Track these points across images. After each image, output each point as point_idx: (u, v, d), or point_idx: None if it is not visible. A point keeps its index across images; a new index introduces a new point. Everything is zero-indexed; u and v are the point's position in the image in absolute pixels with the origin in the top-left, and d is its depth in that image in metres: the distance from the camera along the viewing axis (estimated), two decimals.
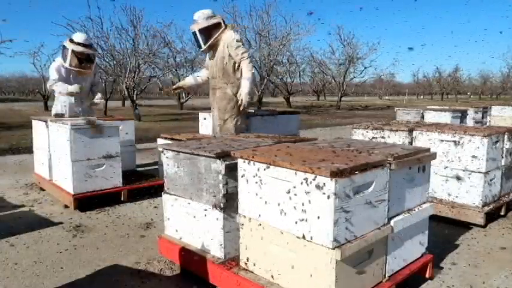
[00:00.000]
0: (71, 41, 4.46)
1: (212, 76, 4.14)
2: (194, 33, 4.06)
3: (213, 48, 4.05)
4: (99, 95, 4.78)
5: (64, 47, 4.49)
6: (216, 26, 4.00)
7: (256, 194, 2.01)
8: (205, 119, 4.94)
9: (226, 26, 4.06)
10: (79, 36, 4.54)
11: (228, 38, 3.97)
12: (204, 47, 4.05)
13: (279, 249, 1.93)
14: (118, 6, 23.50)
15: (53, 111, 4.71)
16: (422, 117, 6.42)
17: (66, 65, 4.42)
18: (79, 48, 4.41)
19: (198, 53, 20.64)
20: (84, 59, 4.50)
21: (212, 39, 3.99)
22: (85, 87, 4.63)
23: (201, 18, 4.02)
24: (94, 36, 14.42)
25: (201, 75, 4.47)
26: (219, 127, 4.12)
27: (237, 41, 3.96)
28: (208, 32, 3.99)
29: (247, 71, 3.96)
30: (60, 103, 4.61)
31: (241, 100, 3.97)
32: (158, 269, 2.56)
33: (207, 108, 4.78)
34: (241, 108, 4.05)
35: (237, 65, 4.00)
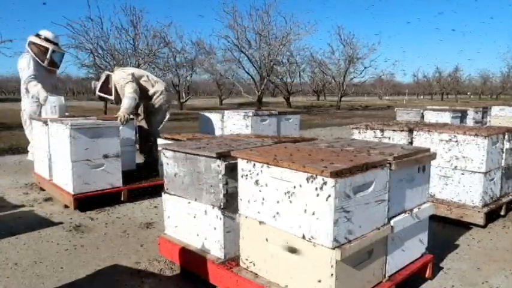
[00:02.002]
0: (41, 37, 4.56)
1: None
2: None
3: None
4: (61, 98, 4.80)
5: (33, 43, 4.54)
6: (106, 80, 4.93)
7: (256, 194, 2.01)
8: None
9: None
10: (49, 34, 4.64)
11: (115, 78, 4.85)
12: (112, 98, 5.07)
13: (279, 249, 1.93)
14: (118, 6, 23.48)
15: (45, 113, 4.73)
16: (422, 117, 6.42)
17: (45, 64, 4.56)
18: (52, 46, 4.55)
19: (198, 52, 20.71)
20: (54, 57, 4.67)
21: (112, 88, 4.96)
22: (51, 88, 4.83)
23: (95, 84, 5.10)
24: (94, 36, 14.45)
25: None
26: None
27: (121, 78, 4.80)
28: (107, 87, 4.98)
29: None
30: (50, 103, 4.57)
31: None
32: (158, 269, 2.56)
33: (208, 108, 4.78)
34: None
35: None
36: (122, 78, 4.80)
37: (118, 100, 4.99)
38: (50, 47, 4.49)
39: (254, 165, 2.00)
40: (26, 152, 6.91)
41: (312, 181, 1.74)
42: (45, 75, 4.73)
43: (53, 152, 4.19)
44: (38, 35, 4.61)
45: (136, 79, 4.86)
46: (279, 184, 1.89)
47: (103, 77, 4.89)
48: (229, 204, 2.21)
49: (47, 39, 4.53)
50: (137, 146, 5.36)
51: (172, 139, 3.67)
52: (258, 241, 2.04)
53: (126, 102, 4.68)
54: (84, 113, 5.67)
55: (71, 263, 2.66)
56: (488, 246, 2.93)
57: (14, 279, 2.45)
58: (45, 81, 4.71)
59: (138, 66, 15.10)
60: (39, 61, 4.55)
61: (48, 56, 4.53)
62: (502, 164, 3.54)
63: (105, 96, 4.90)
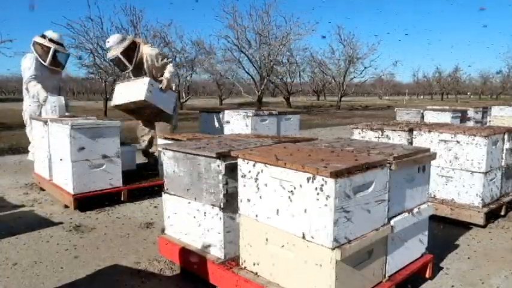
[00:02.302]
0: (46, 38, 4.54)
1: None
2: (115, 59, 4.65)
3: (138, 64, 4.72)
4: (62, 98, 4.73)
5: (37, 43, 4.54)
6: (132, 46, 4.66)
7: (256, 194, 2.01)
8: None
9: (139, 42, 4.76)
10: (54, 35, 4.62)
11: (148, 52, 4.72)
12: (131, 67, 4.69)
13: (279, 249, 1.93)
14: (118, 6, 23.48)
15: (33, 110, 4.73)
16: (422, 117, 6.42)
17: (47, 64, 4.53)
18: (55, 46, 4.53)
19: (198, 53, 20.71)
20: (57, 57, 4.65)
21: (135, 58, 4.67)
22: (54, 89, 4.85)
23: (115, 43, 4.63)
24: (94, 36, 14.44)
25: None
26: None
27: (159, 54, 4.78)
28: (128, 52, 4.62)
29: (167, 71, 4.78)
30: (50, 103, 4.54)
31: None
32: (158, 269, 2.56)
33: (208, 108, 4.79)
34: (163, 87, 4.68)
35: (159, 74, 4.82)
36: (158, 54, 4.75)
37: (134, 73, 4.84)
38: (53, 46, 4.49)
39: (254, 165, 2.00)
40: (26, 152, 6.91)
41: (312, 181, 1.74)
42: (49, 76, 4.72)
43: (53, 152, 4.19)
44: (43, 36, 4.62)
45: None
46: (279, 184, 1.89)
47: (127, 42, 4.65)
48: (229, 204, 2.21)
49: (51, 40, 4.54)
50: (138, 146, 5.35)
51: (172, 139, 3.67)
52: (258, 241, 2.04)
53: (169, 77, 4.73)
54: (85, 113, 5.64)
55: (71, 263, 2.66)
56: (488, 246, 2.93)
57: (14, 279, 2.45)
58: (48, 81, 4.70)
59: None
60: (42, 61, 4.54)
61: (50, 56, 4.52)
62: (502, 164, 3.54)
63: (125, 61, 4.66)
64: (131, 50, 4.64)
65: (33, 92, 4.58)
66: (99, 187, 3.90)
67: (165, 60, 4.79)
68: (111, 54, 4.68)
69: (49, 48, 4.50)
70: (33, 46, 4.59)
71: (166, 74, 4.77)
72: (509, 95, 44.92)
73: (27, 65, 4.57)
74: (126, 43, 4.60)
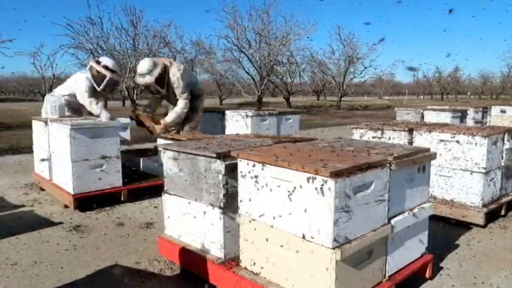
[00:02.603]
0: (100, 64, 4.54)
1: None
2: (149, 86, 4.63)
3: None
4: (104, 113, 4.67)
5: (94, 68, 4.52)
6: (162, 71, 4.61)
7: (256, 194, 2.01)
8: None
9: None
10: (109, 62, 4.63)
11: (172, 72, 4.68)
12: (164, 92, 4.71)
13: (279, 249, 1.93)
14: (118, 6, 23.50)
15: (45, 113, 4.68)
16: (422, 117, 6.42)
17: (99, 90, 4.54)
18: (114, 76, 4.57)
19: (198, 53, 20.71)
20: (110, 84, 4.62)
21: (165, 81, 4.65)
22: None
23: (148, 70, 4.54)
24: (94, 36, 14.45)
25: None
26: None
27: (178, 79, 4.66)
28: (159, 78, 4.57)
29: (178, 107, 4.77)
30: (50, 103, 4.48)
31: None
32: (158, 269, 2.56)
33: (208, 109, 4.79)
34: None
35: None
36: (177, 80, 4.67)
37: (167, 97, 4.89)
38: (109, 75, 4.47)
39: (254, 165, 2.00)
40: (26, 152, 6.92)
41: (312, 181, 1.74)
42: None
43: (53, 152, 4.19)
44: (97, 61, 4.62)
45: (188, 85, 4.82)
46: (279, 184, 1.89)
47: (159, 70, 4.57)
48: (229, 204, 2.21)
49: (105, 67, 4.51)
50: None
51: (173, 139, 3.67)
52: (258, 241, 2.04)
53: (174, 117, 4.75)
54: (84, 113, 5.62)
55: (71, 263, 2.66)
56: (488, 246, 2.93)
57: (14, 279, 2.45)
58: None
59: None
60: (95, 86, 4.51)
61: (104, 83, 4.49)
62: (502, 164, 3.54)
63: (158, 88, 4.65)
64: (162, 75, 4.60)
65: (96, 112, 4.57)
66: (99, 187, 3.90)
67: (179, 90, 4.70)
68: (143, 82, 4.61)
69: (105, 75, 4.46)
70: (90, 69, 4.56)
71: (169, 116, 4.80)
72: (509, 95, 44.90)
73: (87, 87, 4.57)
74: (158, 71, 4.55)
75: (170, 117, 4.76)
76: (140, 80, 4.65)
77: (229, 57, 21.62)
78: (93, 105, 4.54)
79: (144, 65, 4.59)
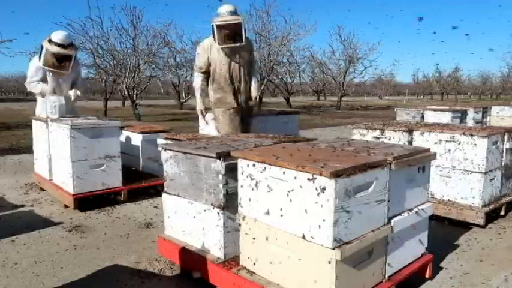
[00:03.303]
0: (49, 40, 4.35)
1: (233, 71, 4.01)
2: (234, 25, 3.81)
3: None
4: (72, 91, 4.60)
5: (42, 46, 4.38)
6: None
7: (256, 194, 2.01)
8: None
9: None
10: (57, 36, 4.38)
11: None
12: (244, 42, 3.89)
13: (279, 249, 1.93)
14: (118, 6, 23.47)
15: (41, 113, 4.59)
16: (422, 117, 6.42)
17: (40, 64, 4.35)
18: (53, 49, 4.30)
19: None
20: (61, 59, 4.39)
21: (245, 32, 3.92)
22: (65, 87, 4.61)
23: (234, 12, 3.90)
24: (94, 36, 14.45)
25: (202, 83, 4.17)
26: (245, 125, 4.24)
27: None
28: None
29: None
30: (50, 103, 4.41)
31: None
32: (158, 269, 2.56)
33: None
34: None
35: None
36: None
37: None
38: (52, 50, 4.37)
39: (254, 165, 2.00)
40: (26, 152, 6.91)
41: (312, 181, 1.74)
42: (54, 78, 4.53)
43: (53, 152, 4.19)
44: (49, 40, 4.39)
45: None
46: (279, 184, 1.89)
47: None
48: (229, 204, 2.21)
49: (50, 40, 4.42)
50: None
51: (173, 139, 3.67)
52: (257, 241, 2.04)
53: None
54: (85, 113, 5.62)
55: (71, 263, 2.66)
56: (488, 246, 2.93)
57: (14, 279, 2.45)
58: (55, 82, 4.55)
59: (138, 66, 15.11)
60: (41, 64, 4.41)
61: (42, 57, 4.32)
62: (502, 164, 3.54)
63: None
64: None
65: (36, 91, 4.56)
66: (99, 187, 3.90)
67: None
68: (230, 20, 3.86)
69: (48, 51, 4.39)
70: (40, 49, 4.48)
71: (255, 89, 4.27)
72: (509, 95, 44.87)
73: (31, 69, 4.51)
74: (241, 17, 3.96)
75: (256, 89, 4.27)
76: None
77: None
78: (31, 85, 4.48)
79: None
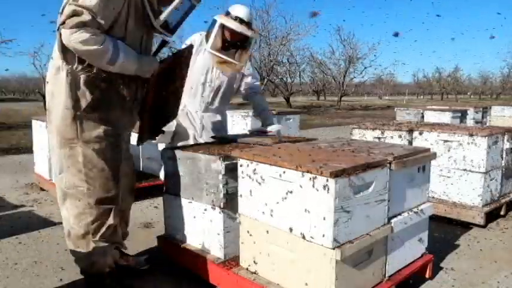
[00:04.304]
0: (227, 14, 2.80)
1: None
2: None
3: None
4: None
5: (213, 21, 2.81)
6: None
7: (256, 194, 2.01)
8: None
9: None
10: (239, 10, 2.78)
11: None
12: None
13: (279, 249, 1.93)
14: None
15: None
16: (422, 117, 6.43)
17: (208, 47, 2.80)
18: (233, 25, 2.72)
19: None
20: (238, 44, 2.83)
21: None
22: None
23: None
24: None
25: None
26: None
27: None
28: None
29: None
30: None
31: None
32: (158, 268, 2.56)
33: None
34: None
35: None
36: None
37: None
38: (230, 24, 2.73)
39: (254, 165, 2.00)
40: (26, 152, 6.91)
41: (312, 181, 1.74)
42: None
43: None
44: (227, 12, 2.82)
45: None
46: (279, 184, 1.89)
47: None
48: (229, 204, 2.21)
49: (227, 14, 2.81)
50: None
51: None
52: (257, 241, 2.04)
53: None
54: None
55: (71, 263, 2.65)
56: (488, 246, 2.93)
57: (14, 279, 2.45)
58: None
59: None
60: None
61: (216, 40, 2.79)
62: (502, 164, 3.54)
63: None
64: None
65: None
66: None
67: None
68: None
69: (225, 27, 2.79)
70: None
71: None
72: (509, 95, 44.91)
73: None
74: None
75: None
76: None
77: None
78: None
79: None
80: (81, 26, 1.86)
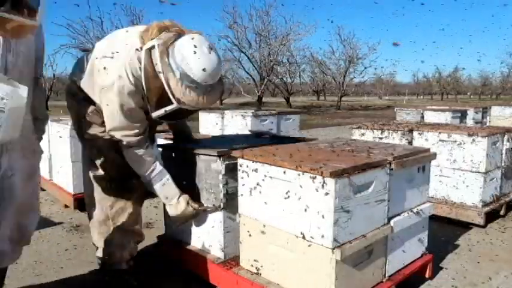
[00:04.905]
0: None
1: None
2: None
3: None
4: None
5: None
6: None
7: (256, 194, 2.01)
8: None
9: None
10: None
11: None
12: None
13: (279, 249, 1.93)
14: (118, 6, 23.47)
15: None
16: (422, 117, 6.43)
17: None
18: None
19: None
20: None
21: None
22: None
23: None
24: (94, 36, 14.45)
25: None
26: None
27: None
28: None
29: None
30: None
31: None
32: (158, 268, 2.56)
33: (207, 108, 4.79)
34: None
35: None
36: None
37: None
38: None
39: (254, 165, 2.00)
40: None
41: (312, 181, 1.74)
42: None
43: (53, 152, 4.19)
44: None
45: None
46: (279, 184, 1.89)
47: None
48: (229, 204, 2.21)
49: None
50: None
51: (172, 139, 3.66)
52: (258, 241, 2.04)
53: None
54: None
55: (71, 263, 2.66)
56: (488, 246, 2.94)
57: (14, 279, 2.45)
58: None
59: None
60: None
61: None
62: (502, 164, 3.54)
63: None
64: None
65: None
66: None
67: None
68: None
69: None
70: None
71: None
72: (509, 95, 44.90)
73: None
74: None
75: None
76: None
77: (229, 57, 21.66)
78: None
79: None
80: (133, 145, 2.07)
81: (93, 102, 2.14)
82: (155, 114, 2.02)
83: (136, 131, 2.05)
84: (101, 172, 2.22)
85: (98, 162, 2.20)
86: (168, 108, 1.95)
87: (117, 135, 2.04)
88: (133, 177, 2.23)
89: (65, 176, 3.90)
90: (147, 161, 2.11)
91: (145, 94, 1.99)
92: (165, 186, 2.17)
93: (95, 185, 2.25)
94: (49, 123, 4.17)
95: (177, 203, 2.19)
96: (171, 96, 1.88)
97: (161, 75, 1.87)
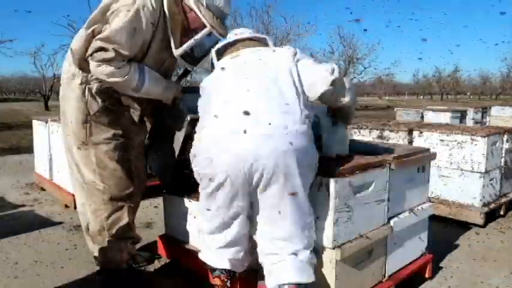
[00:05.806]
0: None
1: None
2: None
3: None
4: None
5: None
6: None
7: None
8: None
9: None
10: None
11: None
12: None
13: None
14: None
15: None
16: (422, 117, 6.44)
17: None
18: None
19: None
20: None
21: None
22: None
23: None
24: None
25: None
26: None
27: None
28: None
29: None
30: None
31: None
32: (158, 268, 2.56)
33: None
34: None
35: None
36: None
37: None
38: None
39: None
40: (26, 152, 6.91)
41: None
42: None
43: (54, 152, 4.19)
44: None
45: None
46: None
47: None
48: None
49: None
50: None
51: None
52: None
53: None
54: None
55: (71, 263, 2.67)
56: (488, 246, 2.94)
57: (14, 278, 2.45)
58: None
59: None
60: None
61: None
62: (502, 164, 3.55)
63: None
64: None
65: None
66: None
67: None
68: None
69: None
70: None
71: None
72: (509, 95, 44.88)
73: None
74: None
75: None
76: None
77: None
78: None
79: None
80: (107, 61, 1.94)
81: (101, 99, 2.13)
82: (185, 45, 2.11)
83: (124, 52, 1.95)
84: (99, 184, 2.18)
85: (97, 171, 2.18)
86: (198, 36, 2.10)
87: (104, 45, 1.92)
88: (131, 187, 2.25)
89: (65, 176, 3.90)
90: (123, 71, 1.98)
91: (170, 26, 2.09)
92: (158, 79, 2.16)
93: (91, 195, 2.21)
94: (49, 123, 4.17)
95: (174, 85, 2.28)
96: (204, 20, 2.07)
97: (192, 4, 2.06)
